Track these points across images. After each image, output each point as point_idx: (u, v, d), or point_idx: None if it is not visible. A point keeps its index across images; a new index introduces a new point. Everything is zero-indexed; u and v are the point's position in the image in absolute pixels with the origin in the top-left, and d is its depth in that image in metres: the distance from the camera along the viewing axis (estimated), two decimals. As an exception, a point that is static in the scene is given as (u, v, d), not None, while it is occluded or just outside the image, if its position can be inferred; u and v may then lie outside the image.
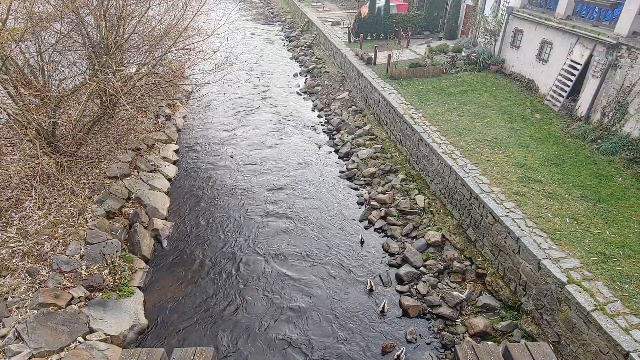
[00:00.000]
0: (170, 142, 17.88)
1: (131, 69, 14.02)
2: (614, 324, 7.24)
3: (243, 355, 9.14)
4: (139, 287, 10.60)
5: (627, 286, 8.05)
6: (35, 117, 10.88)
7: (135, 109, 15.05)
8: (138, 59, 15.15)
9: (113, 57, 11.82)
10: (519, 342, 8.85)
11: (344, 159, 17.09)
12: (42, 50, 11.89)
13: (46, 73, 12.30)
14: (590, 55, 14.41)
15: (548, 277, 8.46)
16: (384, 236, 12.64)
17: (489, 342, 9.07)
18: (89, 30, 12.84)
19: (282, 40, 35.58)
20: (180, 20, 14.52)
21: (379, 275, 11.15)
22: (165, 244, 12.37)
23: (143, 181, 14.24)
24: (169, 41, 14.24)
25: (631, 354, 6.74)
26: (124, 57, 14.73)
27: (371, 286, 10.61)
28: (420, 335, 9.49)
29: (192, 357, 4.11)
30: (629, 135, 12.67)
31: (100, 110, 13.85)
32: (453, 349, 6.21)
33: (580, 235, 9.41)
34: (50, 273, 9.68)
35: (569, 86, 15.26)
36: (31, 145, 11.38)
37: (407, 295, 10.41)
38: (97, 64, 11.63)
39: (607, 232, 9.47)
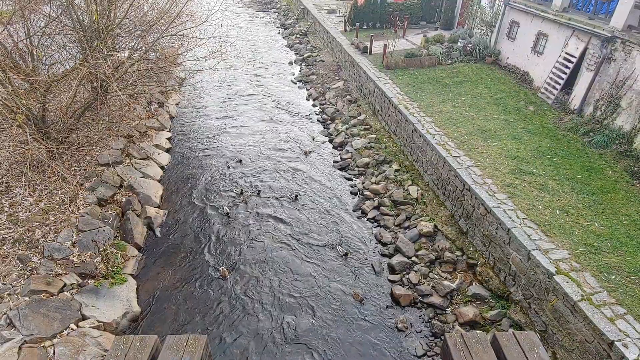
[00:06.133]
0: (163, 130, 17.70)
1: (123, 55, 13.77)
2: (600, 314, 7.41)
3: (236, 342, 9.22)
4: (132, 275, 10.60)
5: (613, 277, 8.22)
6: (25, 102, 10.67)
7: (127, 96, 14.86)
8: (130, 44, 14.87)
9: (104, 42, 11.59)
10: (507, 331, 9.03)
11: (339, 148, 17.07)
12: (31, 34, 11.62)
13: (35, 57, 12.03)
14: (585, 48, 14.44)
15: (537, 268, 8.61)
16: (377, 226, 12.72)
17: (478, 331, 9.26)
18: (79, 14, 12.54)
19: (277, 27, 35.11)
20: (173, 5, 14.24)
21: (372, 265, 11.26)
22: (158, 231, 12.34)
23: (135, 169, 14.12)
24: (162, 26, 13.99)
25: (616, 343, 6.92)
26: (116, 42, 14.47)
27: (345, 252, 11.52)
28: (410, 323, 9.63)
29: (184, 344, 4.15)
30: (620, 128, 12.78)
31: (91, 96, 13.63)
32: (443, 338, 6.31)
33: (570, 227, 9.55)
34: (42, 260, 9.62)
35: (563, 79, 15.31)
36: (21, 131, 11.20)
37: (399, 285, 10.53)
38: (88, 48, 11.40)
39: (596, 224, 9.62)
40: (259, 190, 14.21)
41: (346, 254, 11.45)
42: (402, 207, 13.00)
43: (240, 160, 16.02)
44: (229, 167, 15.37)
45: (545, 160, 12.08)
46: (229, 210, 13.16)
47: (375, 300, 10.27)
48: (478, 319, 9.36)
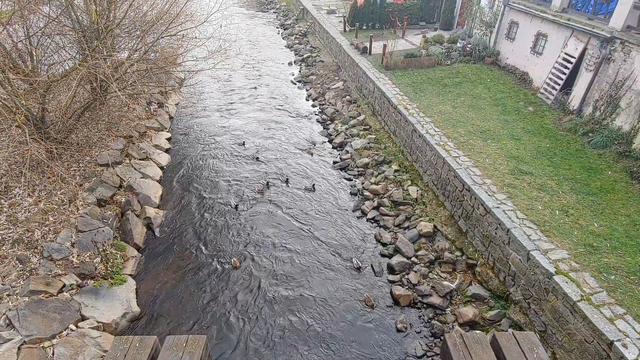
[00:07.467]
0: (162, 130, 17.69)
1: (122, 55, 13.76)
2: (599, 314, 7.41)
3: (235, 342, 9.21)
4: (131, 275, 10.60)
5: (612, 277, 8.23)
6: (24, 103, 10.67)
7: (127, 96, 14.84)
8: (129, 45, 14.87)
9: (104, 42, 11.59)
10: (507, 331, 9.04)
11: (338, 149, 17.07)
12: (30, 34, 11.62)
13: (35, 57, 12.03)
14: (584, 49, 14.45)
15: (537, 268, 8.61)
16: (377, 226, 12.72)
17: (477, 331, 9.26)
18: (78, 14, 12.54)
19: (277, 28, 35.12)
20: (172, 6, 14.24)
21: (371, 265, 11.26)
22: (157, 232, 12.34)
23: (135, 169, 14.11)
24: (161, 27, 13.98)
25: (615, 343, 6.92)
26: (115, 42, 14.46)
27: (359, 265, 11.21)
28: (410, 324, 9.63)
29: (184, 345, 4.14)
30: (619, 129, 12.80)
31: (90, 97, 13.63)
32: (442, 338, 6.32)
33: (569, 227, 9.55)
34: (41, 260, 9.61)
35: (562, 79, 15.32)
36: (20, 131, 11.19)
37: (399, 285, 10.53)
38: (88, 48, 11.39)
39: (595, 225, 9.63)
40: (287, 178, 14.75)
41: (359, 268, 11.12)
42: (401, 207, 13.00)
43: (258, 158, 16.14)
44: (244, 144, 17.10)
45: (545, 161, 12.09)
46: (236, 203, 13.30)
47: (375, 300, 10.26)
48: (478, 319, 9.36)
